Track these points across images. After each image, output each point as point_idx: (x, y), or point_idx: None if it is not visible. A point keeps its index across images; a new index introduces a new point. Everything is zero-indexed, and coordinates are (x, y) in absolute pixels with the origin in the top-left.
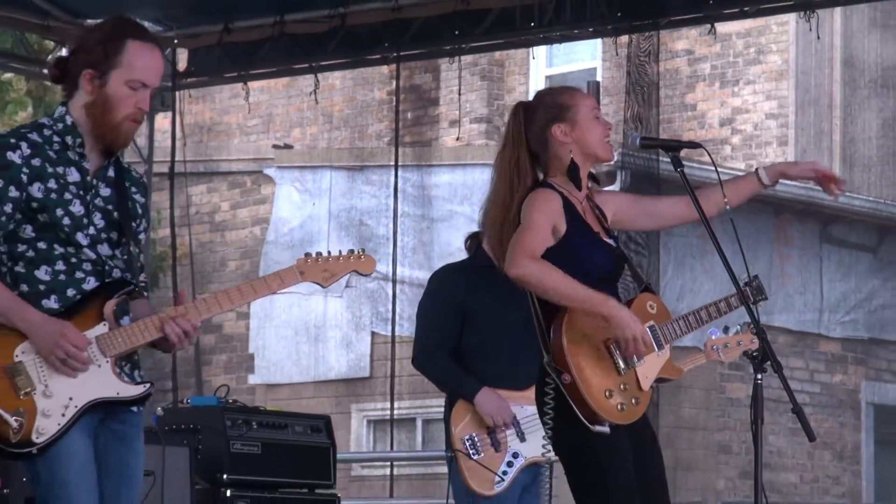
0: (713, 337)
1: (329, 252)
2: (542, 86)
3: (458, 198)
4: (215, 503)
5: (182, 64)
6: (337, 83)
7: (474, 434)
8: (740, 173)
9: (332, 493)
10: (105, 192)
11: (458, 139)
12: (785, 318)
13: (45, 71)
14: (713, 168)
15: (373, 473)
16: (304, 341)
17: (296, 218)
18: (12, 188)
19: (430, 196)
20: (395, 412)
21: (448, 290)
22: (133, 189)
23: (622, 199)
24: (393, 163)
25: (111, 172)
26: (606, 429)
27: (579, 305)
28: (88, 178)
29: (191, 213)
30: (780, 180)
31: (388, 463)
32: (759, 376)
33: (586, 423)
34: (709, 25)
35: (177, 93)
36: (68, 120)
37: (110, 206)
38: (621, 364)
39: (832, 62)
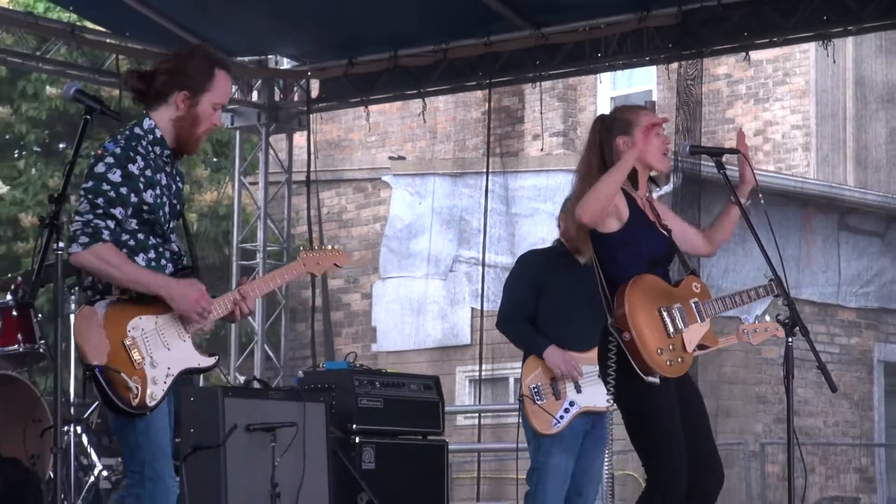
0: (746, 323)
1: (319, 247)
2: (608, 105)
3: (541, 197)
4: (346, 448)
5: (315, 92)
6: (441, 105)
7: (540, 383)
8: (770, 174)
9: (441, 440)
10: (173, 188)
11: (541, 150)
12: (810, 292)
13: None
14: (750, 170)
15: (473, 423)
16: (409, 314)
17: (408, 216)
18: (132, 195)
19: (517, 196)
20: (492, 373)
21: (528, 269)
22: (178, 178)
23: (673, 220)
24: (480, 170)
25: (174, 170)
26: (657, 380)
27: (619, 177)
28: (169, 180)
29: (322, 213)
30: (748, 188)
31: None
32: (790, 339)
33: (641, 374)
34: (744, 53)
35: (311, 115)
36: (158, 133)
37: (175, 200)
38: (671, 328)
39: (846, 82)
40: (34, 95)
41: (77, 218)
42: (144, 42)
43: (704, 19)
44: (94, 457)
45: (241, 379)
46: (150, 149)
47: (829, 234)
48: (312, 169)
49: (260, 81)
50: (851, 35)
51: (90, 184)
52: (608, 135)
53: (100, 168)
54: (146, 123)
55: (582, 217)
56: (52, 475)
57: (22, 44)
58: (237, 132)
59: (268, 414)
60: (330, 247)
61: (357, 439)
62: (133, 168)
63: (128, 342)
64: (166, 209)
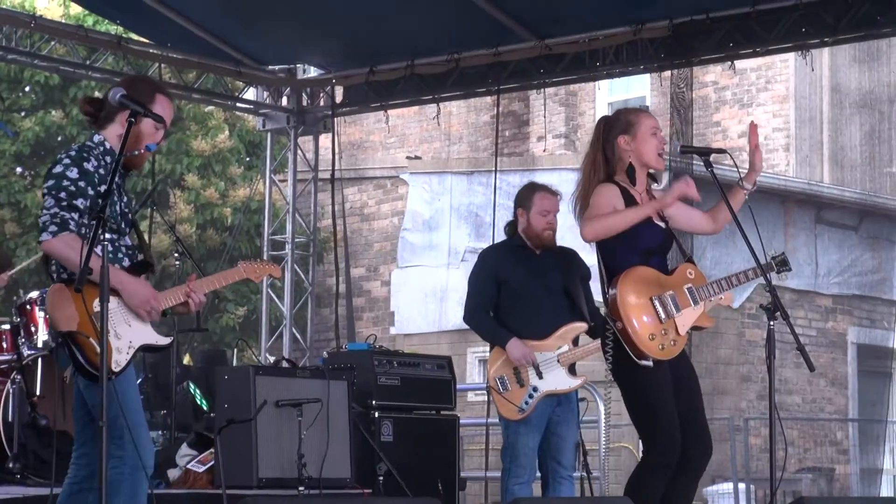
0: None
1: (259, 259)
2: (606, 110)
3: None
4: (366, 422)
5: (339, 97)
6: (454, 110)
7: (504, 374)
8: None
9: (453, 414)
10: (124, 198)
11: (544, 150)
12: (790, 281)
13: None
14: (735, 168)
15: (482, 399)
16: (432, 301)
17: (423, 210)
18: (89, 188)
19: None
20: None
21: (489, 264)
22: (125, 194)
23: (676, 207)
24: (488, 169)
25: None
26: (650, 363)
27: (630, 220)
28: (119, 190)
29: (346, 208)
30: (756, 176)
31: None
32: (772, 323)
33: (635, 358)
34: (729, 62)
35: (335, 119)
36: (107, 145)
37: (126, 210)
38: (662, 315)
39: (823, 89)
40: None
41: (44, 211)
42: (184, 52)
43: (694, 31)
44: None
45: (271, 359)
46: (101, 158)
47: (807, 227)
48: (337, 168)
49: (289, 88)
50: (828, 46)
51: (51, 182)
52: (609, 134)
53: (58, 168)
54: (96, 138)
55: (586, 236)
56: None
57: (73, 54)
58: (268, 134)
59: (295, 391)
60: (267, 261)
61: (376, 414)
62: (88, 166)
63: (94, 316)
64: (117, 209)
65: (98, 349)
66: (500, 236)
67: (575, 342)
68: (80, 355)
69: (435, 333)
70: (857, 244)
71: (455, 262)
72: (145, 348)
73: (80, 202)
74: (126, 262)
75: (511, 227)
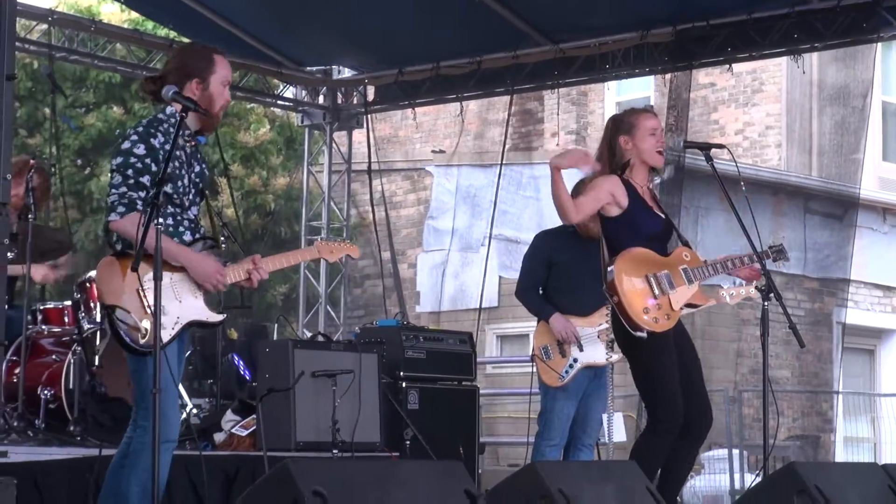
0: (725, 287)
1: (334, 238)
2: (614, 108)
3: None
4: (395, 392)
5: (371, 96)
6: (475, 108)
7: (548, 344)
8: (749, 166)
9: (473, 385)
10: (196, 168)
11: (556, 145)
12: (780, 265)
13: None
14: (733, 162)
15: (499, 371)
16: (447, 281)
17: (446, 199)
18: (153, 164)
19: (538, 185)
20: (515, 330)
21: (541, 247)
22: (202, 161)
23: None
24: (507, 162)
25: (197, 153)
26: (644, 335)
27: (554, 188)
28: (189, 159)
29: (375, 198)
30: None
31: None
32: (766, 303)
33: (630, 330)
34: (726, 66)
35: (368, 116)
36: (178, 117)
37: (198, 180)
38: (657, 290)
39: (811, 88)
40: (143, 97)
41: (112, 191)
42: (230, 55)
43: (695, 37)
44: (185, 397)
45: (308, 334)
46: (171, 130)
47: (796, 216)
48: (372, 160)
49: (325, 87)
50: (818, 51)
51: (119, 160)
52: (614, 133)
53: (126, 145)
54: (168, 110)
55: (572, 220)
56: None
57: (131, 55)
58: (306, 129)
59: (330, 363)
60: (344, 240)
61: (404, 384)
62: (154, 142)
63: (142, 291)
64: (185, 181)
65: (137, 324)
66: (522, 224)
67: None
68: (121, 329)
69: (457, 311)
70: (841, 231)
71: (468, 246)
72: (195, 324)
73: (146, 179)
74: (188, 237)
75: None
